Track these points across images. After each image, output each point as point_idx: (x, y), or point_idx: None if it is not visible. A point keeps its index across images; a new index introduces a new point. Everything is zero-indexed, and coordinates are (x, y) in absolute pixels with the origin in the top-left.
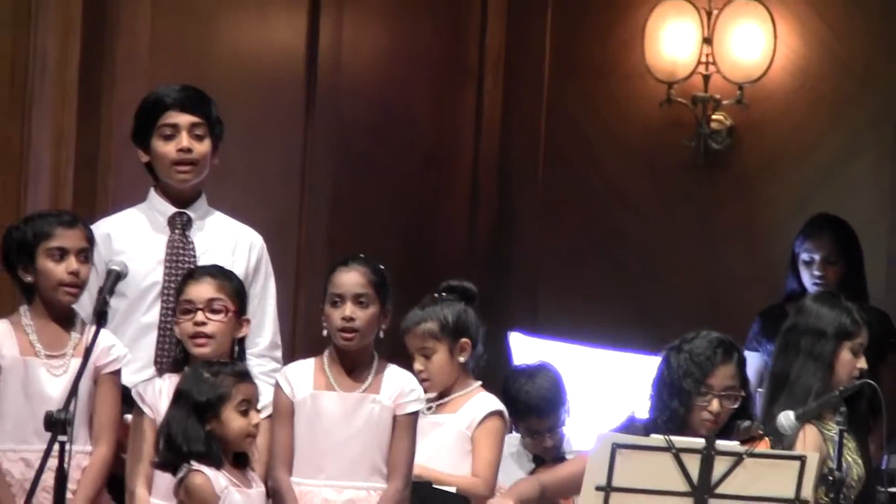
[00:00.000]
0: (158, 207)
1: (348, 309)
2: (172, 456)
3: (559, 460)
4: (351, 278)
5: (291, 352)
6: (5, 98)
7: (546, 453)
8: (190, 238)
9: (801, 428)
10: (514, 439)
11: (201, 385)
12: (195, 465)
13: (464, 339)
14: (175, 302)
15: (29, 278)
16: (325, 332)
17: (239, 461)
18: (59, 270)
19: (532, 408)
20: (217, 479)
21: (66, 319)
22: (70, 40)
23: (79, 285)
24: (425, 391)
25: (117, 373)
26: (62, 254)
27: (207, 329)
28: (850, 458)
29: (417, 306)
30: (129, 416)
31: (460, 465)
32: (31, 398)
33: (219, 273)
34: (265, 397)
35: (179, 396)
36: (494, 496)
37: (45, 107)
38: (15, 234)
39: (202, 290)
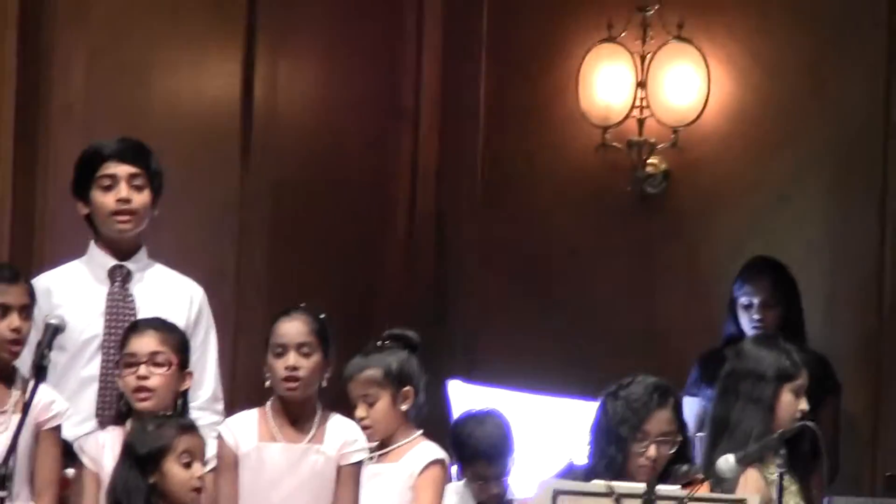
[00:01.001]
0: (98, 260)
1: (292, 358)
2: None
3: None
4: (293, 328)
5: (231, 403)
6: None
7: (490, 501)
8: (130, 291)
9: (743, 471)
10: (457, 488)
11: (144, 437)
12: None
13: (407, 388)
14: (117, 354)
15: None
16: (267, 384)
17: None
18: (1, 328)
19: (480, 453)
20: None
21: (6, 376)
22: (5, 92)
23: (20, 342)
24: (367, 439)
25: (58, 428)
26: (4, 311)
27: (150, 383)
28: (792, 502)
29: (360, 354)
30: (69, 471)
31: None
32: None
33: (161, 326)
34: (210, 449)
35: (124, 450)
36: None
37: None
38: None
39: (145, 344)
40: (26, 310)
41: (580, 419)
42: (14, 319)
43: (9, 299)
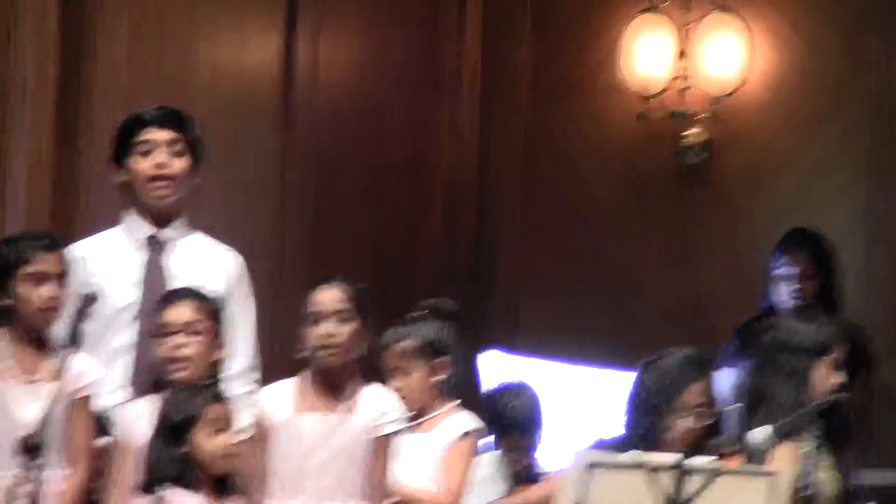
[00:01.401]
0: (135, 228)
1: (329, 326)
2: (150, 479)
3: (533, 480)
4: (330, 295)
5: (269, 373)
6: None
7: (522, 472)
8: (167, 259)
9: (778, 444)
10: (491, 458)
11: (174, 407)
12: (166, 489)
13: (442, 358)
14: (153, 323)
15: (6, 302)
16: (303, 354)
17: (221, 485)
18: (38, 296)
19: (517, 424)
20: (188, 503)
21: (42, 344)
22: (47, 63)
23: (56, 310)
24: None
25: (91, 397)
26: (41, 278)
27: (185, 352)
28: (825, 474)
29: (398, 323)
30: (103, 440)
31: (435, 484)
32: (7, 423)
33: (196, 295)
34: (245, 419)
35: (159, 420)
36: None
37: (24, 130)
38: None
39: (180, 313)
40: (62, 278)
41: (621, 390)
42: (51, 287)
43: (46, 267)
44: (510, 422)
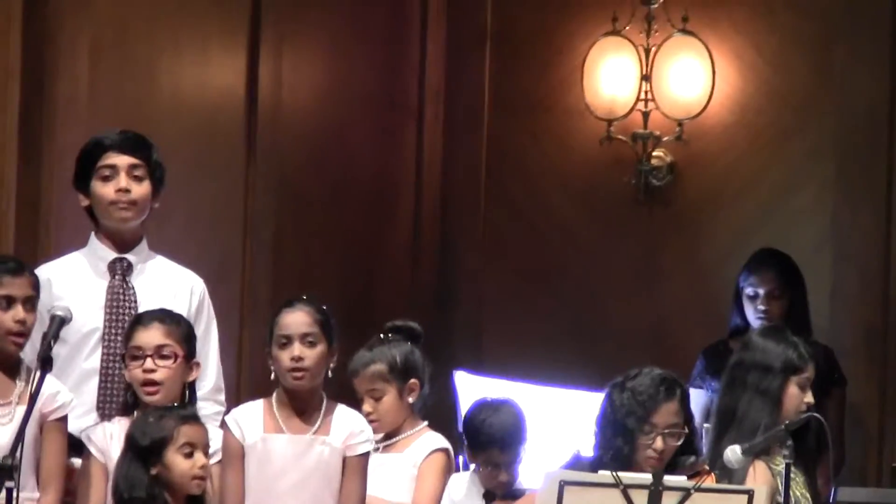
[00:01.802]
0: (99, 253)
1: (297, 349)
2: (118, 502)
3: (510, 498)
4: (297, 318)
5: (237, 394)
6: None
7: (499, 488)
8: (130, 283)
9: (751, 463)
10: (464, 477)
11: (145, 429)
12: None
13: (412, 380)
14: (118, 347)
15: None
16: (272, 376)
17: None
18: (6, 319)
19: (495, 440)
20: None
21: (10, 367)
22: (9, 84)
23: (25, 334)
24: (374, 432)
25: (63, 419)
26: (8, 302)
27: (157, 376)
28: (798, 493)
29: (364, 347)
30: (75, 460)
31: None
32: None
33: (167, 318)
34: (213, 440)
35: (126, 441)
36: None
37: None
38: None
39: (151, 337)
40: (31, 301)
41: (585, 410)
42: (19, 311)
43: (13, 291)
44: (487, 438)
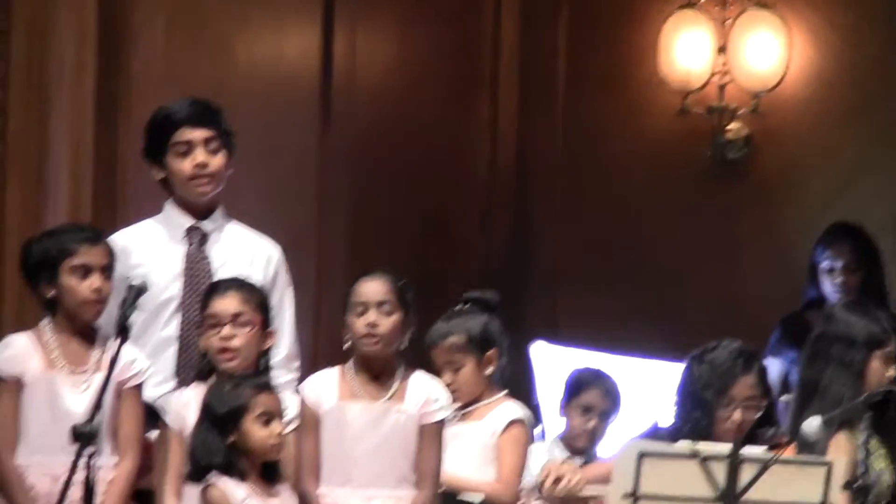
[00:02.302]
0: (175, 220)
1: (372, 315)
2: (196, 469)
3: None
4: (374, 287)
5: (313, 361)
6: (22, 109)
7: (585, 438)
8: (207, 251)
9: (832, 435)
10: (545, 446)
11: (222, 398)
12: (213, 478)
13: (491, 351)
14: (195, 315)
15: (51, 293)
16: (346, 345)
17: (268, 472)
18: (83, 288)
19: (596, 379)
20: (235, 491)
21: (87, 335)
22: (86, 50)
23: (101, 302)
24: (453, 402)
25: (140, 387)
26: (86, 271)
27: (234, 343)
28: (880, 465)
29: (441, 319)
30: (151, 433)
31: (484, 474)
32: (56, 414)
33: (243, 286)
34: (288, 407)
35: (203, 410)
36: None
37: (63, 117)
38: (36, 249)
39: (227, 304)
40: (107, 270)
41: (662, 381)
42: (95, 280)
43: (90, 259)
44: (589, 376)
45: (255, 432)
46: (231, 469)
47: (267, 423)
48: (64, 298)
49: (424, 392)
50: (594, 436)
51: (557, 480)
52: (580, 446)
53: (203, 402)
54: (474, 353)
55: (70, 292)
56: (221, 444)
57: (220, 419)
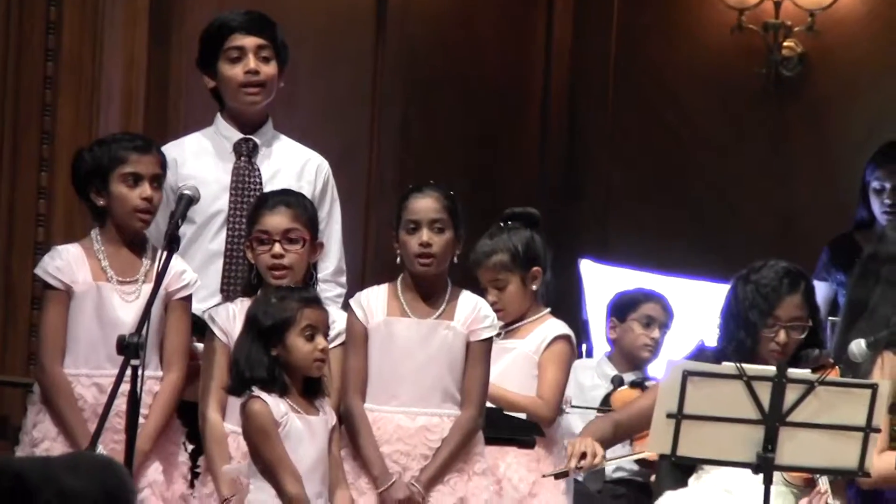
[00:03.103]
0: (224, 133)
1: (425, 235)
2: (238, 382)
3: (637, 386)
4: (426, 204)
5: (361, 277)
6: (77, 22)
7: (649, 350)
8: (256, 165)
9: (879, 355)
10: (590, 364)
11: (267, 310)
12: (255, 391)
13: (535, 268)
14: (243, 229)
15: (101, 202)
16: (398, 260)
17: (310, 388)
18: (133, 196)
19: (652, 293)
20: (277, 405)
21: (137, 245)
22: None
23: (152, 211)
24: (499, 320)
25: (188, 298)
26: (136, 179)
27: (286, 261)
28: None
29: (485, 236)
30: (197, 345)
31: (527, 389)
32: (104, 324)
33: (293, 202)
34: (335, 323)
35: (248, 322)
36: (557, 417)
37: (117, 30)
38: (88, 157)
39: (278, 221)
40: (157, 179)
41: (710, 301)
42: (146, 188)
43: (140, 168)
44: (649, 291)
45: (300, 346)
46: (273, 383)
47: (311, 337)
48: (114, 207)
49: (473, 310)
50: (657, 347)
51: (582, 457)
52: (644, 357)
53: (248, 315)
54: (519, 271)
55: (120, 200)
56: (265, 357)
57: (264, 331)
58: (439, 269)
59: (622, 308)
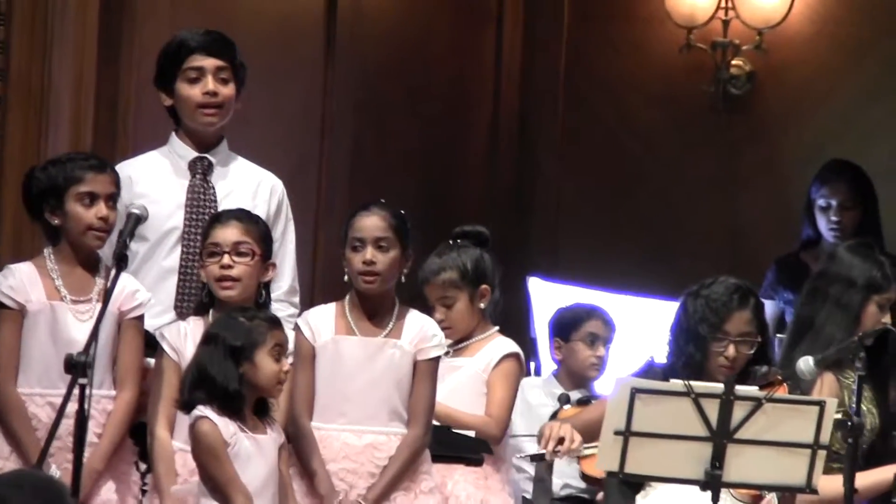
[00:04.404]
0: (180, 151)
1: (369, 253)
2: (188, 402)
3: (583, 404)
4: (371, 222)
5: (311, 296)
6: (27, 39)
7: (592, 370)
8: (211, 183)
9: (820, 374)
10: (537, 383)
11: (237, 329)
12: (204, 410)
13: (483, 286)
14: (197, 246)
15: (56, 221)
16: (346, 278)
17: (259, 407)
18: (89, 216)
19: (594, 310)
20: (226, 425)
21: (90, 264)
22: None
23: (107, 230)
24: (447, 339)
25: (141, 318)
26: (92, 199)
27: (234, 272)
28: (864, 407)
29: (434, 254)
30: (149, 360)
31: (476, 408)
32: (58, 343)
33: (245, 217)
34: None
35: (211, 340)
36: (506, 436)
37: (66, 48)
38: (42, 176)
39: (228, 234)
40: (113, 198)
41: (660, 319)
42: (101, 208)
43: (97, 187)
44: (591, 308)
45: (267, 366)
46: (233, 401)
47: (278, 358)
48: (69, 226)
49: (420, 329)
50: (602, 364)
51: (560, 442)
52: (591, 376)
53: (208, 333)
54: (467, 289)
55: (76, 219)
56: (236, 373)
57: (235, 350)
58: (383, 288)
59: (565, 328)
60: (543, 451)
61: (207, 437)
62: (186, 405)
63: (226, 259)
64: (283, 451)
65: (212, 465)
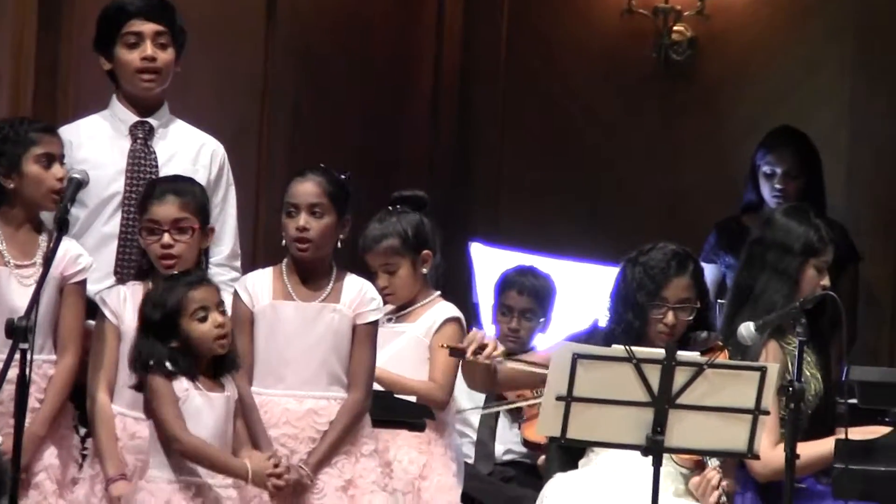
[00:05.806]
0: (120, 115)
1: (302, 219)
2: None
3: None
4: (306, 188)
5: (252, 260)
6: None
7: (510, 340)
8: (152, 147)
9: (764, 341)
10: None
11: (155, 303)
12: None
13: (425, 251)
14: (137, 214)
15: (11, 185)
16: (283, 243)
17: (220, 366)
18: (48, 177)
19: (514, 283)
20: (179, 382)
21: (34, 228)
22: None
23: (63, 191)
24: (390, 304)
25: (83, 283)
26: (49, 160)
27: (175, 251)
28: (808, 373)
29: (374, 220)
30: (89, 323)
31: (419, 373)
32: (1, 309)
33: (182, 190)
34: (230, 308)
35: (140, 319)
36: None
37: (5, 16)
38: None
39: (167, 211)
40: (63, 160)
41: (600, 284)
42: (59, 169)
43: (53, 149)
44: (507, 280)
45: (195, 329)
46: (179, 372)
47: (204, 318)
48: (26, 188)
49: (358, 293)
50: (518, 336)
51: (482, 348)
52: (509, 348)
53: (140, 311)
54: (409, 255)
55: (35, 182)
56: (164, 350)
57: (157, 325)
58: (317, 255)
59: (495, 293)
60: (463, 350)
61: (158, 391)
62: (138, 386)
63: (166, 238)
64: (236, 405)
65: (159, 409)
